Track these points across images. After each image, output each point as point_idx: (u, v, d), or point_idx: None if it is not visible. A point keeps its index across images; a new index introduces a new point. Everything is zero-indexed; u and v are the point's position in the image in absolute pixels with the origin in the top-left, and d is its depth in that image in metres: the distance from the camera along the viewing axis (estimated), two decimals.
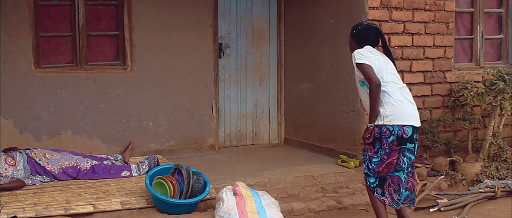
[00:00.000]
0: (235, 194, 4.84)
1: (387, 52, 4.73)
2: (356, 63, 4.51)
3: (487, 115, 6.90)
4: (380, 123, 4.48)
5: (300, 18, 7.30)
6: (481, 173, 6.25)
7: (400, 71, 6.51)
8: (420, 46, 6.64)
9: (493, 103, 6.30)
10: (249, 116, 7.55)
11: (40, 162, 5.59)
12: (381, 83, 4.45)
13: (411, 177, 4.60)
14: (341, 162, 6.49)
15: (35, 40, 6.19)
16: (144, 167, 5.89)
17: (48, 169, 5.59)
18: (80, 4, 6.35)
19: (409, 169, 4.56)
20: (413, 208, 5.35)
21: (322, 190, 5.85)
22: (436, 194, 5.78)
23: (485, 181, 6.09)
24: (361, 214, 5.40)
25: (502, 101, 6.26)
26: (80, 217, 4.85)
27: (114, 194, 5.24)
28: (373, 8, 6.28)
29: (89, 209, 4.90)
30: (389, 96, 4.49)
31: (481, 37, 7.39)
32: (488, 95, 6.35)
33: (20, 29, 6.05)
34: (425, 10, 6.62)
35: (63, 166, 5.66)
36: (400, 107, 4.49)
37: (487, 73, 6.51)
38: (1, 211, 4.63)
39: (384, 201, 4.60)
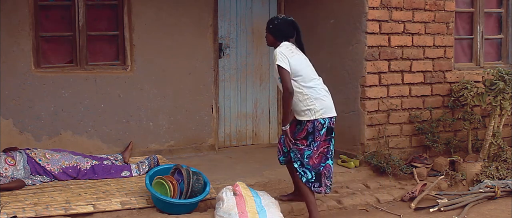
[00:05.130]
0: (235, 194, 4.84)
1: (301, 46, 4.98)
2: (277, 65, 4.74)
3: (487, 115, 6.90)
4: (312, 118, 4.81)
5: (300, 18, 7.23)
6: (481, 173, 6.25)
7: (400, 71, 6.54)
8: (420, 46, 6.64)
9: (493, 103, 6.30)
10: (249, 116, 7.55)
11: (40, 162, 5.59)
12: (306, 81, 4.79)
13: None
14: (341, 162, 6.49)
15: (35, 40, 6.19)
16: (144, 167, 5.90)
17: (48, 169, 5.59)
18: (80, 4, 6.35)
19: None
20: (414, 207, 5.34)
21: None
22: (436, 194, 5.78)
23: (485, 181, 6.09)
24: (361, 214, 5.40)
25: (502, 101, 6.26)
26: (80, 217, 4.85)
27: (114, 194, 5.24)
28: (373, 8, 6.28)
29: (89, 209, 4.90)
30: (317, 92, 4.84)
31: (481, 37, 7.40)
32: (488, 95, 6.35)
33: (20, 29, 6.05)
34: (425, 10, 6.62)
35: (63, 166, 5.66)
36: (327, 101, 4.88)
37: (487, 73, 6.51)
38: (1, 211, 4.63)
39: (321, 191, 4.94)
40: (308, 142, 4.83)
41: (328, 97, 4.92)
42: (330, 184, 4.98)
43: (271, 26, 4.94)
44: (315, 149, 4.83)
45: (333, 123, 4.89)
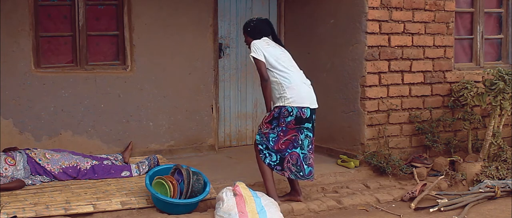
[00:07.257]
0: (235, 194, 4.84)
1: (278, 42, 5.32)
2: (251, 56, 5.10)
3: (487, 115, 6.90)
4: (280, 104, 5.08)
5: (300, 18, 7.30)
6: (481, 173, 6.25)
7: (400, 71, 6.54)
8: (420, 46, 6.64)
9: (493, 103, 6.30)
10: (249, 116, 7.55)
11: (40, 162, 5.59)
12: (280, 71, 5.05)
13: (311, 154, 5.24)
14: (341, 162, 6.49)
15: (35, 40, 6.19)
16: (144, 167, 5.90)
17: (48, 169, 5.59)
18: (80, 4, 6.35)
19: (310, 146, 5.20)
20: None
21: (322, 190, 5.85)
22: (436, 194, 5.78)
23: (485, 181, 6.09)
24: (361, 214, 5.40)
25: (502, 101, 6.26)
26: (80, 217, 4.85)
27: (114, 194, 5.24)
28: (373, 8, 6.28)
29: (89, 209, 4.90)
30: (289, 81, 5.08)
31: (481, 37, 7.40)
32: (488, 95, 6.35)
33: (20, 29, 6.05)
34: (425, 10, 6.62)
35: (63, 166, 5.66)
36: (299, 91, 5.08)
37: (487, 73, 6.51)
38: (1, 211, 4.63)
39: (284, 174, 5.22)
40: (272, 126, 5.12)
41: (303, 88, 5.13)
42: (296, 172, 5.17)
43: (249, 28, 5.29)
44: (281, 134, 5.10)
45: (304, 113, 5.08)
